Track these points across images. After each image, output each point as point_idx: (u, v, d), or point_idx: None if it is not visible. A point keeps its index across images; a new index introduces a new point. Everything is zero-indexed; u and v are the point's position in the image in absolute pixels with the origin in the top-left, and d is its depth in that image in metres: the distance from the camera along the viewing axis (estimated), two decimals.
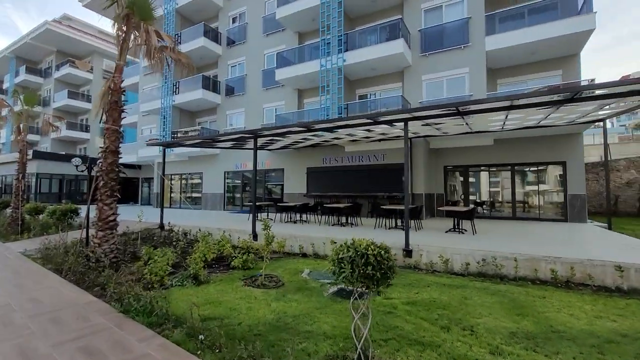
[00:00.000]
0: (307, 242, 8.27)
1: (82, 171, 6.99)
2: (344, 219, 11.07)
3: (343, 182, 14.63)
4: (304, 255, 8.14)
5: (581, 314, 4.08)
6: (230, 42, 19.09)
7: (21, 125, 12.44)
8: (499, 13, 11.87)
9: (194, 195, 20.60)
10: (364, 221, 11.63)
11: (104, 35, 34.66)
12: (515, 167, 12.81)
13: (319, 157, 15.35)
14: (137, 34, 6.84)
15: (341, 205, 10.48)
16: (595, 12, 10.22)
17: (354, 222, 10.91)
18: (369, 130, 9.71)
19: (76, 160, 7.02)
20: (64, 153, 26.64)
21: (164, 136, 19.62)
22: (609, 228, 9.67)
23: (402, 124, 8.02)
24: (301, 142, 12.94)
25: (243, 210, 17.76)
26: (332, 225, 10.76)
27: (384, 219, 10.41)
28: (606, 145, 9.74)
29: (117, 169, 6.31)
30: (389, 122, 7.61)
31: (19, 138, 12.52)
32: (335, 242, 7.47)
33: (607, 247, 6.80)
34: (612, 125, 40.09)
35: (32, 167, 21.79)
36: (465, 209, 8.92)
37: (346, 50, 13.34)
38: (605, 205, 10.28)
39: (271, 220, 12.70)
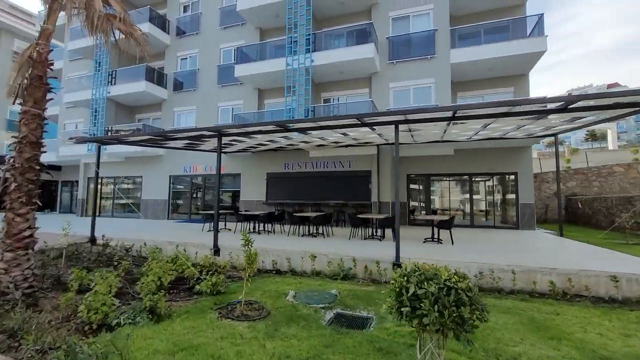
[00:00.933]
0: (282, 256, 7.26)
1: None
2: (313, 229, 10.24)
3: (306, 189, 13.83)
4: (279, 272, 7.11)
5: (607, 332, 3.85)
6: (181, 32, 17.21)
7: None
8: (458, 29, 12.38)
9: (131, 202, 17.90)
10: (335, 231, 10.94)
11: (18, 12, 29.33)
12: (473, 177, 13.34)
13: (281, 162, 14.36)
14: None
15: (312, 214, 9.64)
16: (546, 36, 11.12)
17: (324, 232, 10.14)
18: (344, 134, 9.11)
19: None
20: None
21: (94, 132, 16.78)
22: (561, 235, 10.38)
23: (387, 127, 7.58)
24: (265, 144, 11.85)
25: (192, 219, 15.84)
26: (302, 235, 9.85)
27: (357, 229, 9.84)
28: (558, 158, 10.51)
29: (37, 167, 4.65)
30: (379, 124, 7.07)
31: None
32: (316, 257, 6.54)
33: (576, 255, 7.05)
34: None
35: None
36: (445, 217, 8.76)
37: (314, 50, 12.71)
38: (558, 213, 11.06)
39: (229, 230, 11.38)
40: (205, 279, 5.52)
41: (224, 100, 15.74)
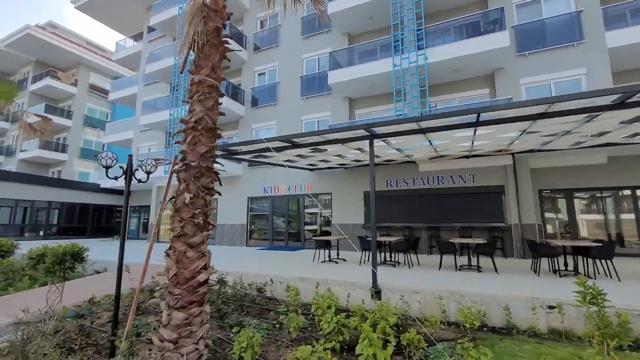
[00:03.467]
0: (492, 304, 4.96)
1: (117, 177, 3.55)
2: (463, 259, 7.87)
3: (417, 210, 11.58)
4: (494, 330, 4.79)
5: None
6: (258, 47, 16.40)
7: None
8: (611, 8, 10.00)
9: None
10: (486, 262, 8.45)
11: (93, 47, 31.38)
12: (638, 191, 10.33)
13: (381, 179, 12.32)
14: None
15: (476, 241, 7.30)
16: None
17: (479, 265, 7.70)
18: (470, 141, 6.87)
19: (106, 156, 3.53)
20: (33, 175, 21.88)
21: (168, 155, 16.02)
22: None
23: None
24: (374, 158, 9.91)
25: (275, 246, 14.07)
26: (459, 269, 7.47)
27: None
28: None
29: (213, 170, 2.98)
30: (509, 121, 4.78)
31: None
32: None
33: None
34: None
35: None
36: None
37: (425, 47, 10.90)
38: None
39: (344, 261, 9.23)
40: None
41: (309, 113, 14.29)
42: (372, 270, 5.64)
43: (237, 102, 15.75)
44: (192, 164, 2.85)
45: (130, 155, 3.90)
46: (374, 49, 12.54)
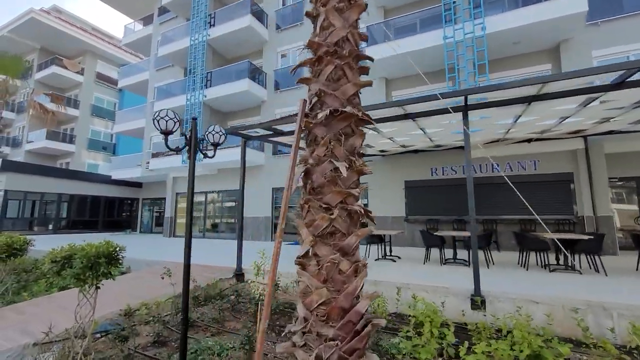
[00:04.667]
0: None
1: (180, 149, 2.43)
2: (541, 257, 6.70)
3: (467, 201, 10.38)
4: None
5: None
6: (280, 26, 15.10)
7: None
8: None
9: (226, 220, 15.63)
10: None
11: (99, 34, 30.15)
12: None
13: (424, 167, 11.14)
14: None
15: (579, 237, 6.10)
16: None
17: (579, 265, 6.53)
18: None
19: (166, 116, 2.40)
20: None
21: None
22: None
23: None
24: (429, 141, 8.72)
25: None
26: (552, 270, 6.31)
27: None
28: None
29: (365, 118, 1.82)
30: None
31: None
32: None
33: None
34: None
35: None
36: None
37: (483, 15, 9.59)
38: None
39: (399, 258, 7.96)
40: None
41: None
42: (474, 273, 4.50)
43: (260, 86, 14.51)
44: (338, 111, 1.70)
45: (195, 119, 2.78)
46: (413, 24, 11.26)
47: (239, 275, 6.42)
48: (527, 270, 6.31)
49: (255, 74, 14.43)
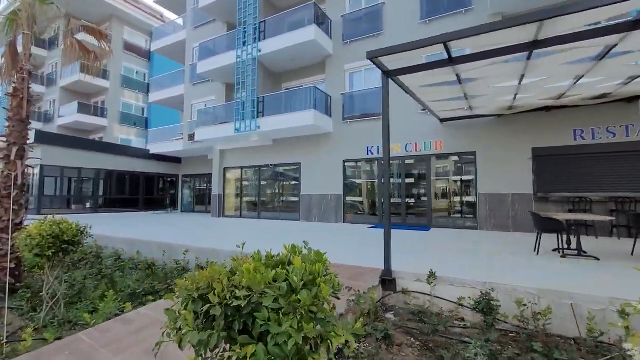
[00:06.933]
0: None
1: None
2: None
3: (628, 173, 7.74)
4: None
5: None
6: None
7: (20, 41, 5.67)
8: None
9: (285, 199, 13.60)
10: None
11: None
12: None
13: (563, 129, 8.45)
14: None
15: None
16: None
17: None
18: None
19: None
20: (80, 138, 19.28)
21: (232, 111, 12.67)
22: None
23: None
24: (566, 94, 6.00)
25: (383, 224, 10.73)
26: None
27: None
28: None
29: None
30: None
31: (13, 73, 5.71)
32: None
33: None
34: None
35: (35, 156, 14.76)
36: None
37: None
38: None
39: (583, 257, 5.01)
40: None
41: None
42: None
43: (324, 33, 11.84)
44: None
45: None
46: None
47: (389, 281, 4.24)
48: None
49: (321, 21, 11.78)
